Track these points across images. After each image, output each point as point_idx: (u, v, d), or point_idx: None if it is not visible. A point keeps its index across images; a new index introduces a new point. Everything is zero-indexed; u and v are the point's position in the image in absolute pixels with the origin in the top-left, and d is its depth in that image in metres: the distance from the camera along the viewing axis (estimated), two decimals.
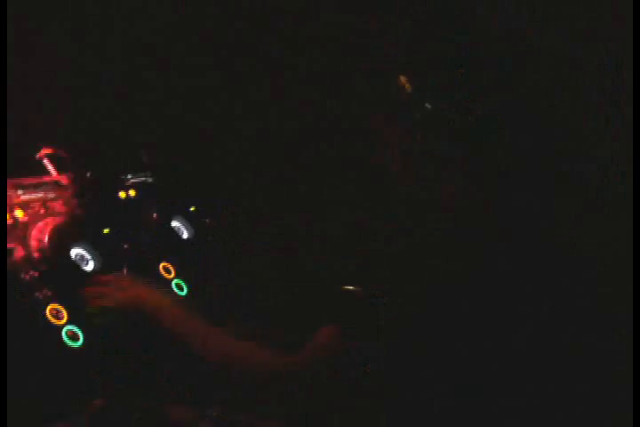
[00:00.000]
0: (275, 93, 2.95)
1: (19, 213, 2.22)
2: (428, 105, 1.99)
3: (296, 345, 2.01)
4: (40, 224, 2.25)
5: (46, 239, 2.21)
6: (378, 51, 2.53)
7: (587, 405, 1.96)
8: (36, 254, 2.18)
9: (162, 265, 2.53)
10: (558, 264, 2.05)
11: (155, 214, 2.70)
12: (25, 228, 2.21)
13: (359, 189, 2.67)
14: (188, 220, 2.83)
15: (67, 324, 2.11)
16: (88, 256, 2.34)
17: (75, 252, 2.32)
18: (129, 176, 2.77)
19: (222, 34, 2.98)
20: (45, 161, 2.50)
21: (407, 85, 2.02)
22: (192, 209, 2.89)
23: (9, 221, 2.15)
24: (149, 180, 2.83)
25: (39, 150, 2.50)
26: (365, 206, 2.59)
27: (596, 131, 2.27)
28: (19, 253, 2.14)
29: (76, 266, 2.29)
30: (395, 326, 1.80)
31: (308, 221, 2.83)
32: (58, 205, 2.38)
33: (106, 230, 2.44)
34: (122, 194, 2.69)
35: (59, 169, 2.52)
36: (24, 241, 2.18)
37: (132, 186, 2.75)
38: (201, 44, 3.03)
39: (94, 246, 2.36)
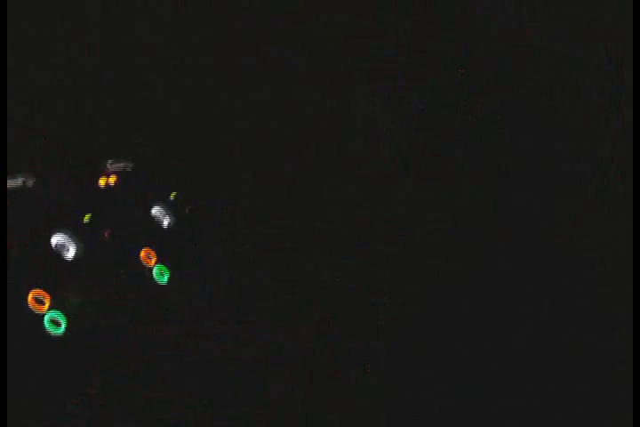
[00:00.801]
0: (274, 92, 2.95)
1: None
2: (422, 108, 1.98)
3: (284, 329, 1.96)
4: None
5: (27, 227, 2.21)
6: (378, 51, 2.53)
7: (587, 405, 1.96)
8: (17, 242, 2.18)
9: (143, 252, 2.53)
10: (558, 264, 2.05)
11: (135, 202, 2.68)
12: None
13: (359, 189, 2.67)
14: (169, 207, 2.81)
15: (49, 310, 2.15)
16: (69, 244, 2.33)
17: (55, 239, 2.32)
18: (109, 163, 2.77)
19: (222, 33, 2.98)
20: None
21: (408, 86, 2.01)
22: (172, 196, 2.86)
23: None
24: (130, 167, 2.81)
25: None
26: (365, 206, 2.58)
27: (596, 131, 2.27)
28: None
29: (56, 253, 2.28)
30: (395, 326, 1.80)
31: (303, 217, 2.83)
32: (39, 193, 2.39)
33: (86, 217, 2.44)
34: (102, 181, 2.67)
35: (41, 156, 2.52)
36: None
37: (113, 173, 2.72)
38: (200, 41, 3.02)
39: (75, 234, 2.35)
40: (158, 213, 2.75)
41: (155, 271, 2.49)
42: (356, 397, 1.91)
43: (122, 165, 2.77)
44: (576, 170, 2.23)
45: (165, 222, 2.76)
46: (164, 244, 2.60)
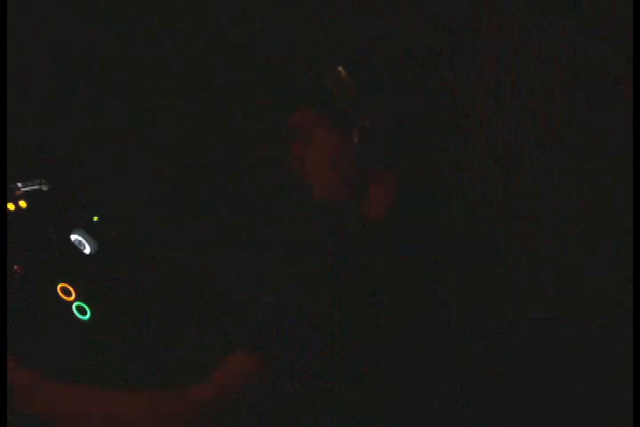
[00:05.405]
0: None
1: None
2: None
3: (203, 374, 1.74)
4: None
5: None
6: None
7: (587, 405, 1.96)
8: None
9: (60, 286, 2.28)
10: (558, 264, 2.05)
11: (50, 228, 2.39)
12: None
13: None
14: (91, 232, 2.50)
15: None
16: None
17: None
18: (19, 184, 2.45)
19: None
20: None
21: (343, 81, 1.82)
22: (95, 219, 2.58)
23: None
24: (44, 188, 2.52)
25: None
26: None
27: (596, 131, 2.27)
28: None
29: None
30: (395, 325, 1.80)
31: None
32: None
33: None
34: (10, 206, 2.36)
35: None
36: None
37: (23, 196, 2.42)
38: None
39: None
40: (78, 240, 2.49)
41: (74, 308, 2.28)
42: (355, 397, 1.91)
43: (35, 184, 2.50)
44: (575, 169, 2.23)
45: (87, 250, 2.50)
46: (86, 275, 2.38)
